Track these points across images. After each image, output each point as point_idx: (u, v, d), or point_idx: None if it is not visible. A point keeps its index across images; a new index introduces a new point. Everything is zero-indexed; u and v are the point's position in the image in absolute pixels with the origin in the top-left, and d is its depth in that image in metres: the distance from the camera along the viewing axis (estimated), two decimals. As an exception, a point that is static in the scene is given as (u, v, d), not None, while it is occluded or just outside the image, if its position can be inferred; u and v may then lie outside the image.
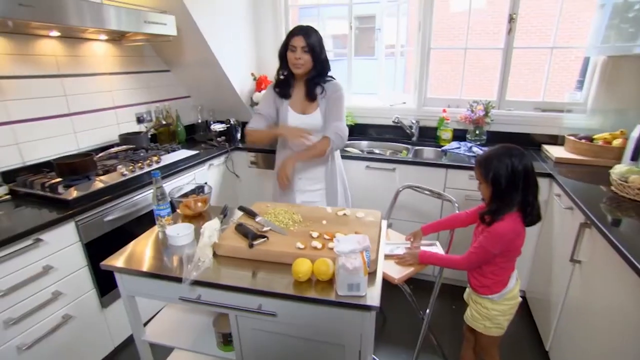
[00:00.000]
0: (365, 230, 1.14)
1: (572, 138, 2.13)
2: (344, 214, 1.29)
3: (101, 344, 1.73)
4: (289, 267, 1.02)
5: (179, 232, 1.20)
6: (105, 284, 1.69)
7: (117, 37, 2.15)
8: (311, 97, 1.70)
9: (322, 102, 1.71)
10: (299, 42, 1.60)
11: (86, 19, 1.60)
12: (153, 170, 1.93)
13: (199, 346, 1.22)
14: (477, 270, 1.33)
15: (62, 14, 1.49)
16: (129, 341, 1.87)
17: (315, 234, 1.12)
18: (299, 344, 1.04)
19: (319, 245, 1.05)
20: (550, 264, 1.82)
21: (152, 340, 1.24)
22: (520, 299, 1.36)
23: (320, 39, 1.65)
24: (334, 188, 1.83)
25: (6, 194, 1.62)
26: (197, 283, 1.03)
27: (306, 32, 1.61)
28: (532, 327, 2.00)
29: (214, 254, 1.12)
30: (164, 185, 1.93)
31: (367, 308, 0.91)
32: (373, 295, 0.92)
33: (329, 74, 1.76)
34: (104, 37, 2.08)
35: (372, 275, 0.99)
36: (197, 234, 1.26)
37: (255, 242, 1.07)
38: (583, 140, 2.08)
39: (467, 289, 1.48)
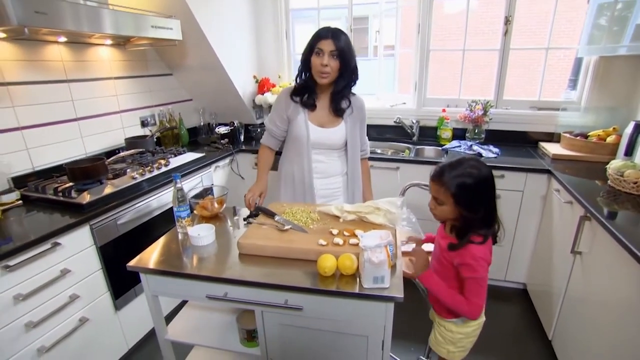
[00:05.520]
0: (382, 227, 1.19)
1: (567, 135, 2.22)
2: (359, 212, 1.34)
3: (116, 345, 1.74)
4: (311, 264, 1.06)
5: (201, 233, 1.23)
6: (119, 287, 1.72)
7: (121, 42, 2.17)
8: (338, 112, 1.54)
9: (348, 119, 1.57)
10: (327, 45, 1.40)
11: (98, 25, 1.62)
12: (163, 173, 1.96)
13: (221, 343, 1.25)
14: None
15: (75, 21, 1.51)
16: (143, 342, 1.89)
17: (335, 231, 1.17)
18: (323, 336, 1.08)
19: (341, 242, 1.09)
20: (550, 256, 1.90)
21: (174, 339, 1.27)
22: (484, 318, 1.22)
23: (350, 43, 1.46)
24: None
25: (18, 199, 1.62)
26: (223, 280, 1.07)
27: (335, 35, 1.41)
28: (534, 317, 2.07)
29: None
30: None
31: (391, 299, 0.96)
32: (396, 287, 0.97)
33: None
34: (109, 42, 2.09)
35: (392, 268, 1.04)
36: (219, 235, 1.30)
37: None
38: (578, 137, 2.16)
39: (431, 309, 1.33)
